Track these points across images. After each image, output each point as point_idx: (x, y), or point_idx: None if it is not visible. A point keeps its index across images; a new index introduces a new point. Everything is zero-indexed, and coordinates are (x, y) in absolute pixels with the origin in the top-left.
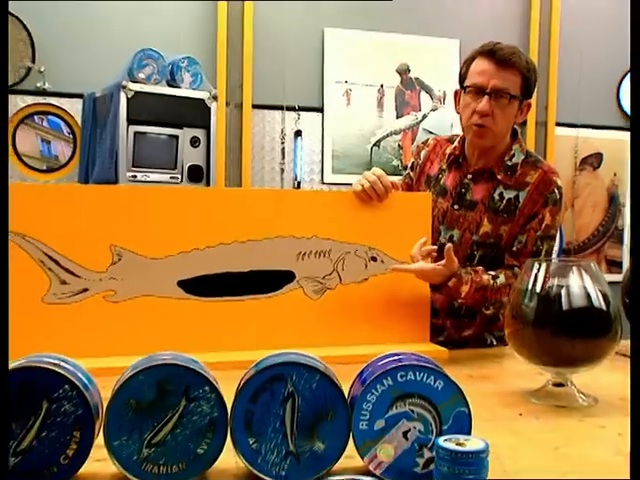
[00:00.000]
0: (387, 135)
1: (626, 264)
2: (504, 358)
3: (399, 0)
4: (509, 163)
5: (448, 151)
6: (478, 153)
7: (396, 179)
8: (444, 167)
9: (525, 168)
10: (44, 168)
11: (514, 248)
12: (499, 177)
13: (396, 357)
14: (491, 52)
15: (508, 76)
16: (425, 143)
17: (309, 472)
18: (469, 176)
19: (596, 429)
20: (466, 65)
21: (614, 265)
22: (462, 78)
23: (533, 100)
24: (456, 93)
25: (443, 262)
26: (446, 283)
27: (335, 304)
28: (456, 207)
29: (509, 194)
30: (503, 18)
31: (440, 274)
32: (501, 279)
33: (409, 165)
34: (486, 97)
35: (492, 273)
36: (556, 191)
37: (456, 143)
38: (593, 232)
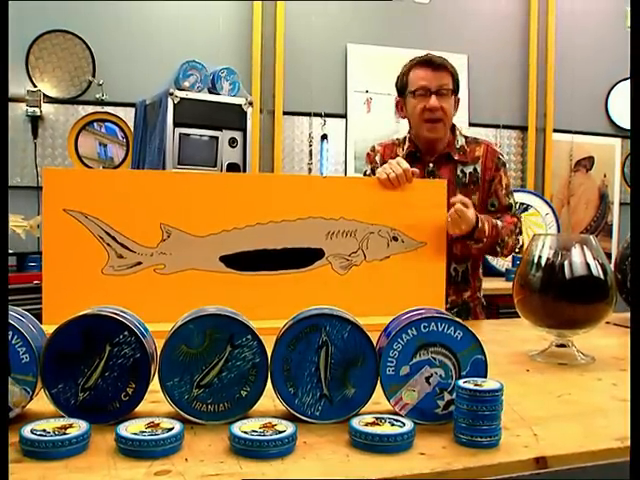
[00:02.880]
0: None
1: (614, 254)
2: (511, 327)
3: (414, 20)
4: (457, 146)
5: (399, 152)
6: (431, 146)
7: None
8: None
9: (470, 146)
10: (101, 168)
11: (492, 209)
12: (456, 157)
13: (419, 311)
14: (427, 61)
15: (444, 76)
16: (373, 150)
17: (340, 413)
18: (431, 164)
19: (594, 381)
20: (405, 76)
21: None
22: (403, 87)
23: (533, 110)
24: (397, 102)
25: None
26: (476, 227)
27: (360, 279)
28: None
29: (468, 169)
30: (505, 38)
31: (473, 219)
32: (499, 221)
33: (369, 170)
34: (433, 95)
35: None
36: (500, 156)
37: (407, 142)
38: (586, 227)
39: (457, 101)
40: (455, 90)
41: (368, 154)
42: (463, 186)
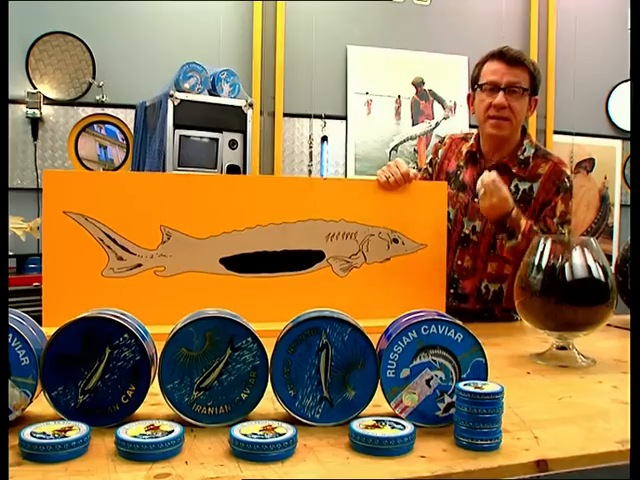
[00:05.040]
0: (404, 140)
1: (615, 256)
2: (513, 330)
3: (414, 22)
4: (521, 157)
5: (464, 149)
6: (494, 148)
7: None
8: (461, 164)
9: (537, 161)
10: (101, 170)
11: None
12: (514, 170)
13: (419, 313)
14: (502, 54)
15: (519, 73)
16: (442, 142)
17: (341, 416)
18: (486, 171)
19: (595, 384)
20: (478, 68)
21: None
22: (475, 80)
23: None
24: (469, 96)
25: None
26: (510, 213)
27: (360, 281)
28: (476, 200)
29: (524, 185)
30: (506, 38)
31: (506, 197)
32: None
33: (427, 161)
34: (501, 92)
35: None
36: (566, 180)
37: (472, 141)
38: (587, 229)
39: (534, 102)
40: (532, 89)
41: (435, 145)
42: (514, 202)
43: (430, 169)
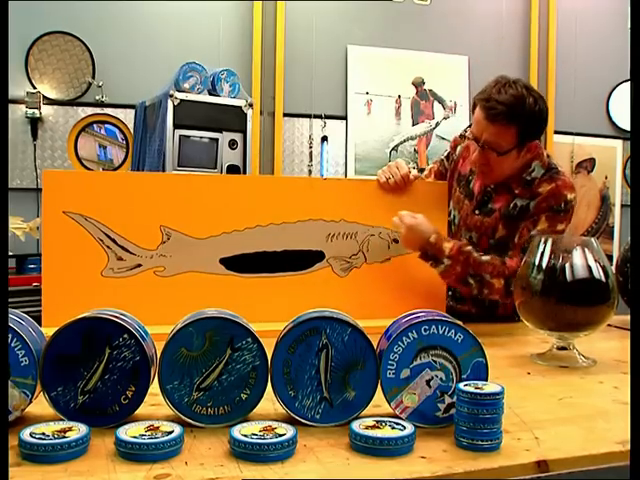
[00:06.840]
0: (404, 140)
1: (616, 256)
2: (513, 330)
3: (414, 22)
4: (528, 178)
5: None
6: None
7: (415, 171)
8: (474, 169)
9: (542, 180)
10: (100, 170)
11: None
12: (516, 191)
13: (419, 314)
14: (484, 107)
15: (500, 130)
16: (462, 137)
17: (341, 416)
18: (492, 186)
19: (595, 384)
20: (473, 106)
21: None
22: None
23: None
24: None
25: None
26: (428, 239)
27: (360, 281)
28: (477, 212)
29: (522, 202)
30: (506, 39)
31: (423, 226)
32: (486, 257)
33: (445, 154)
34: (479, 149)
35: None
36: (563, 204)
37: None
38: (587, 228)
39: (533, 147)
40: (518, 143)
41: (455, 139)
42: (508, 219)
43: (446, 164)
